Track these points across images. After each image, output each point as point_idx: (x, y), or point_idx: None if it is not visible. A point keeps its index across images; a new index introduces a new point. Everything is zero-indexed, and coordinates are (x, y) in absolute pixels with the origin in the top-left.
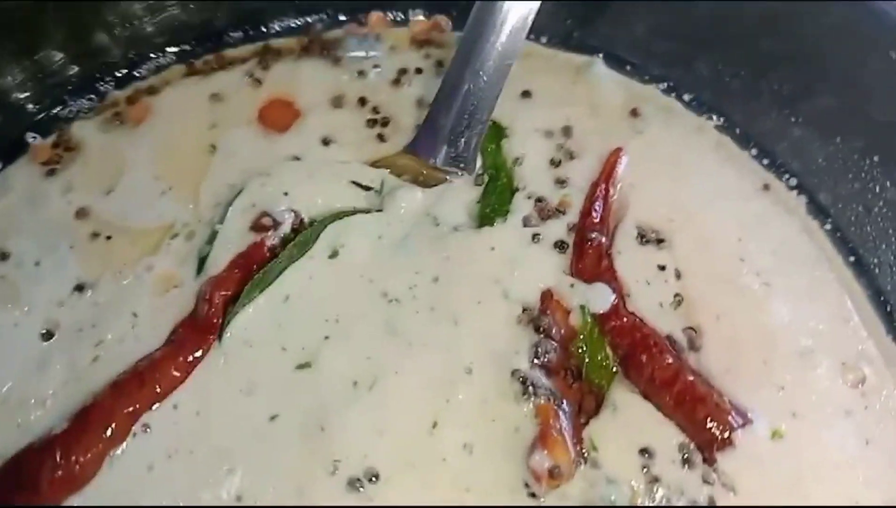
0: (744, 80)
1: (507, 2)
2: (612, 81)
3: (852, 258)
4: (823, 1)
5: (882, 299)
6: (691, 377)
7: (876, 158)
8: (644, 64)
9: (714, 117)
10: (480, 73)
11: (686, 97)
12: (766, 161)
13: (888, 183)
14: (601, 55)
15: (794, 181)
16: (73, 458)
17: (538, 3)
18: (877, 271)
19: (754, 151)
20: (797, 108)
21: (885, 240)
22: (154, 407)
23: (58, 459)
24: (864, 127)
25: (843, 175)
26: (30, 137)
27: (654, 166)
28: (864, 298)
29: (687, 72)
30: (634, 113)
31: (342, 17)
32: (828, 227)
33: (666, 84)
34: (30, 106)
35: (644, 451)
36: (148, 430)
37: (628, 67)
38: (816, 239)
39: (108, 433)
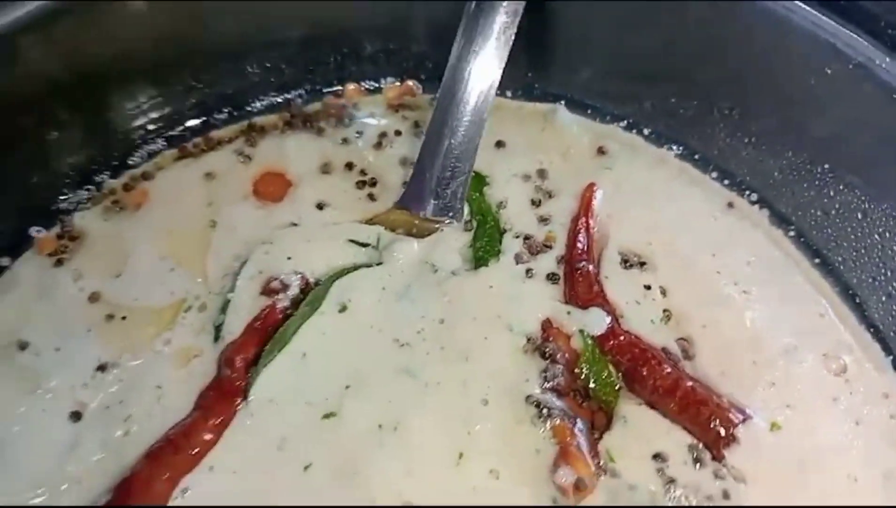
0: (696, 108)
1: (473, 65)
2: (576, 124)
3: (818, 260)
4: (755, 25)
5: (850, 292)
6: (690, 383)
7: (826, 166)
8: (603, 105)
9: (673, 147)
10: (458, 129)
11: (646, 131)
12: (726, 181)
13: (841, 186)
14: (563, 102)
15: (754, 197)
16: None
17: (504, 63)
18: (842, 267)
19: (714, 174)
20: (747, 128)
21: (845, 239)
22: (191, 471)
23: None
24: (811, 139)
25: (799, 185)
26: (34, 230)
27: (626, 197)
28: (834, 293)
29: (642, 108)
30: (601, 151)
31: (323, 89)
32: (791, 234)
33: (626, 121)
34: (29, 201)
35: (657, 456)
36: (188, 493)
37: (589, 111)
38: (782, 246)
39: (151, 501)
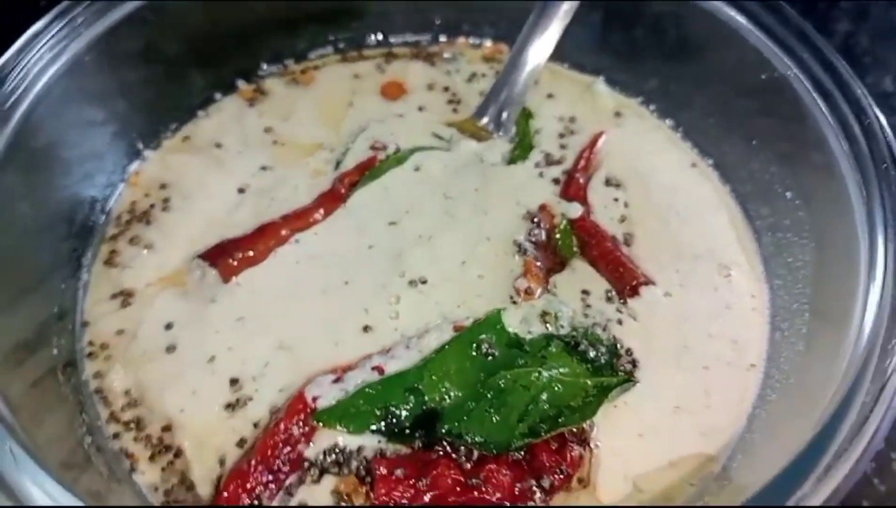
0: (686, 98)
1: (535, 38)
2: (608, 94)
3: (741, 207)
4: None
5: (755, 231)
6: (619, 254)
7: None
8: (630, 86)
9: (667, 120)
10: (518, 79)
11: (651, 108)
12: (696, 149)
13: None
14: (602, 77)
15: (711, 162)
16: (256, 248)
17: (557, 39)
18: (754, 214)
19: (689, 143)
20: (719, 113)
21: (763, 194)
22: (304, 231)
23: (246, 247)
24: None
25: (746, 159)
26: (240, 82)
27: (624, 146)
28: (744, 228)
29: (654, 93)
30: (618, 114)
31: (441, 38)
32: (729, 189)
33: (640, 99)
34: (242, 66)
35: (584, 291)
36: (298, 242)
37: (617, 88)
38: (722, 197)
39: (275, 239)
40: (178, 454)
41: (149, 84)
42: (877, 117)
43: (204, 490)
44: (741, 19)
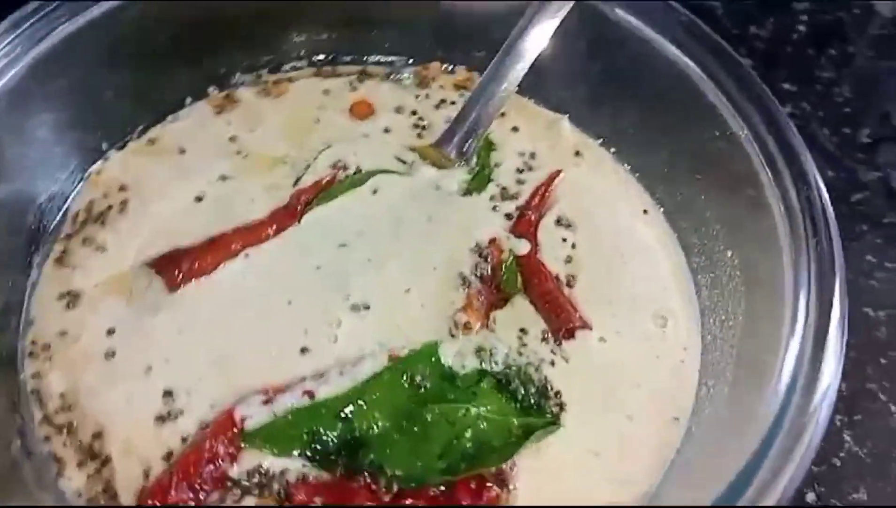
0: (645, 144)
1: (509, 65)
2: (570, 132)
3: (686, 256)
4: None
5: (697, 286)
6: (560, 296)
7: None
8: (592, 126)
9: (625, 165)
10: (486, 107)
11: (612, 150)
12: (650, 197)
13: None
14: (567, 115)
15: (662, 209)
16: (204, 260)
17: (527, 68)
18: (696, 263)
19: (645, 190)
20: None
21: (705, 246)
22: (254, 246)
23: (194, 258)
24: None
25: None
26: (211, 89)
27: (580, 186)
28: (685, 281)
29: (615, 135)
30: (578, 153)
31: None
32: (678, 239)
33: (601, 140)
34: (213, 74)
35: (522, 330)
36: (248, 256)
37: (581, 126)
38: (667, 244)
39: (225, 252)
40: (106, 461)
41: (119, 85)
42: (818, 189)
43: (126, 499)
44: (703, 75)
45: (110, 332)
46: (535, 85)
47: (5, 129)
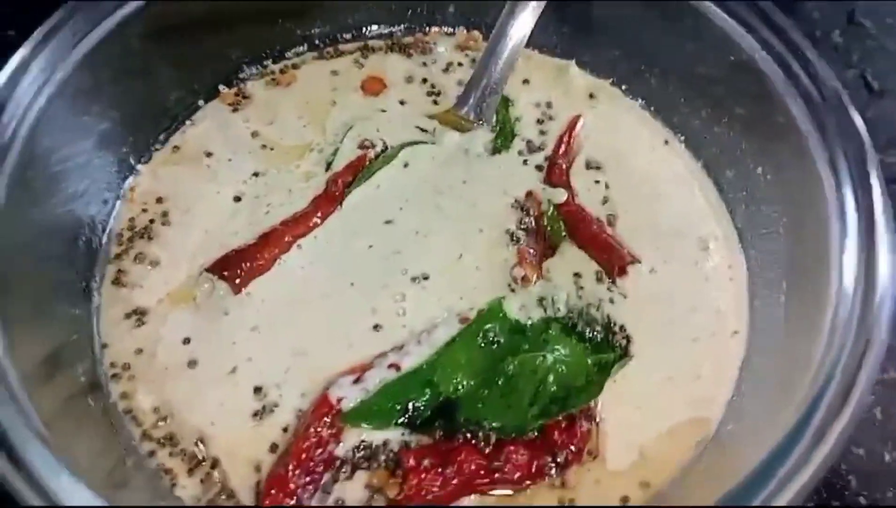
0: (655, 76)
1: (512, 25)
2: (580, 76)
3: (715, 183)
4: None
5: (729, 205)
6: (605, 235)
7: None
8: (601, 67)
9: (639, 100)
10: (496, 66)
11: (623, 87)
12: (667, 127)
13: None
14: (574, 60)
15: (682, 138)
16: (261, 258)
17: (533, 24)
18: (727, 187)
19: (661, 121)
20: (689, 93)
21: (734, 172)
22: (304, 236)
23: (251, 258)
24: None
25: (712, 134)
26: (221, 87)
27: (599, 128)
28: (719, 204)
29: (625, 73)
30: (591, 96)
31: (417, 28)
32: (701, 164)
33: (612, 80)
34: (220, 72)
35: (576, 274)
36: (300, 247)
37: (589, 70)
38: (694, 173)
39: (278, 246)
40: (215, 464)
41: (133, 97)
42: (838, 93)
43: (245, 496)
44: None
45: (186, 341)
46: (538, 34)
47: (43, 161)
